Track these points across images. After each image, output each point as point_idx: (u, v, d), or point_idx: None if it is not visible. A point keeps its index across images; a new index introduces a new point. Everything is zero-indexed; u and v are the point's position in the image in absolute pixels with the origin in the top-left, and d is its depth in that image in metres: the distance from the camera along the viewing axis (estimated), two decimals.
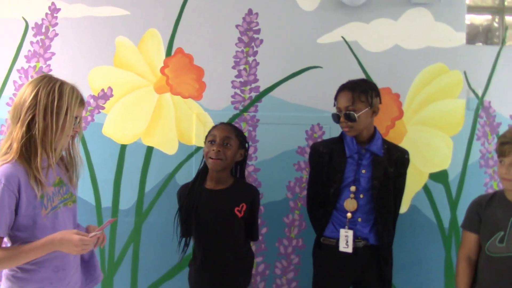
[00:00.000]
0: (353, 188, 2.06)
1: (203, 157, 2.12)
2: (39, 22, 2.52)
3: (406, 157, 2.17)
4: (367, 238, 2.08)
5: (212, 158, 2.02)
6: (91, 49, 2.52)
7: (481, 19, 2.81)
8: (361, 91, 2.02)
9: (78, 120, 1.65)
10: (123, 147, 2.53)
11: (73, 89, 1.62)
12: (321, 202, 2.16)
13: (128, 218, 2.53)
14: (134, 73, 2.53)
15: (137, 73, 2.53)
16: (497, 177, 2.60)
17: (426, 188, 2.59)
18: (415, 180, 2.58)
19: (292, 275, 2.57)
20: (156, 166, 2.54)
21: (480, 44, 2.77)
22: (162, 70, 2.53)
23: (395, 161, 2.10)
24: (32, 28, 2.52)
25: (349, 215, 2.06)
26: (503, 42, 2.69)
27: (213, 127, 2.13)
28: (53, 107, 1.53)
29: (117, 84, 2.52)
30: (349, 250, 2.04)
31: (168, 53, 2.53)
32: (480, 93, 2.60)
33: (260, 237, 2.54)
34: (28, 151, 1.52)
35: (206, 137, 2.13)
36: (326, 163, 2.12)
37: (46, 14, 2.53)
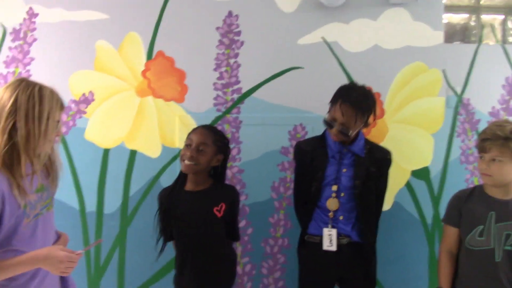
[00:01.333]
0: (334, 187, 2.07)
1: None
2: (17, 27, 2.50)
3: (388, 157, 2.18)
4: (350, 235, 2.10)
5: (184, 161, 2.02)
6: (71, 54, 2.50)
7: (458, 18, 2.85)
8: (364, 112, 1.99)
9: (59, 123, 1.61)
10: (106, 151, 2.52)
11: (53, 92, 1.58)
12: (305, 200, 2.17)
13: (113, 222, 2.52)
14: (115, 77, 2.52)
15: (118, 77, 2.52)
16: (477, 173, 2.65)
17: (408, 185, 2.63)
18: (397, 178, 2.61)
19: (279, 274, 2.59)
20: (140, 170, 2.54)
21: (458, 42, 2.81)
22: (143, 74, 2.52)
23: (377, 161, 2.11)
24: (10, 33, 2.49)
25: (331, 214, 2.08)
26: (480, 40, 2.73)
27: (193, 130, 2.12)
28: (34, 112, 1.48)
29: (99, 88, 2.51)
30: (333, 248, 2.05)
31: (149, 56, 2.53)
32: (459, 91, 2.64)
33: (246, 238, 2.55)
34: (10, 159, 1.47)
35: (186, 138, 2.11)
36: (309, 161, 2.13)
37: (24, 19, 2.51)
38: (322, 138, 2.16)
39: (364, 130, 2.14)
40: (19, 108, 1.47)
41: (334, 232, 2.06)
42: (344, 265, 2.10)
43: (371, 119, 2.06)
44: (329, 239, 2.06)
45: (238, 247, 2.55)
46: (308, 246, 2.15)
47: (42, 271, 1.58)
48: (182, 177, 2.11)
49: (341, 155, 2.09)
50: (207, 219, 2.04)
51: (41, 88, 1.54)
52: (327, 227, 2.08)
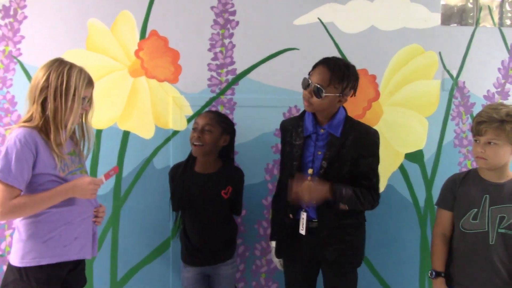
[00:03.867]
0: (310, 171, 2.01)
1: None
2: (7, 4, 2.43)
3: (371, 137, 2.03)
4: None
5: (194, 144, 2.20)
6: (63, 32, 2.44)
7: (456, 0, 2.82)
8: (340, 78, 1.92)
9: (87, 100, 1.85)
10: (99, 132, 2.50)
11: (81, 71, 1.81)
12: (285, 183, 2.12)
13: (106, 203, 2.46)
14: (108, 56, 2.47)
15: (110, 56, 2.47)
16: (471, 157, 2.66)
17: (402, 168, 2.63)
18: (391, 160, 2.62)
19: None
20: (133, 151, 2.52)
21: (455, 25, 2.79)
22: (136, 53, 2.48)
23: (354, 142, 1.98)
24: (0, 10, 2.43)
25: None
26: (477, 23, 2.71)
27: (198, 115, 2.31)
28: (62, 89, 1.72)
29: (91, 67, 2.38)
30: (303, 232, 2.03)
31: (142, 35, 2.48)
32: (454, 74, 2.63)
33: (239, 220, 2.56)
34: (45, 127, 1.75)
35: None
36: (288, 139, 2.11)
37: None
38: (301, 117, 2.10)
39: (338, 104, 2.00)
40: (50, 85, 1.72)
41: (304, 216, 2.03)
42: (317, 247, 2.05)
43: (347, 93, 1.97)
44: (302, 223, 2.04)
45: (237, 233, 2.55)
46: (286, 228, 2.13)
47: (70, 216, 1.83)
48: (192, 159, 2.29)
49: (317, 136, 2.02)
50: (215, 201, 2.25)
51: (71, 67, 1.77)
52: (302, 210, 2.05)
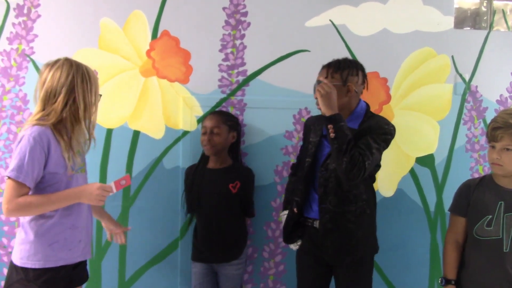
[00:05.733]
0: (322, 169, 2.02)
1: None
2: (21, 3, 2.45)
3: (381, 123, 1.97)
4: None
5: (205, 146, 2.32)
6: (75, 31, 2.46)
7: (469, 3, 2.81)
8: (336, 69, 1.98)
9: (100, 97, 1.95)
10: (109, 131, 2.51)
11: (93, 71, 1.91)
12: (299, 176, 2.12)
13: (115, 202, 2.51)
14: (120, 56, 2.49)
15: (122, 56, 2.49)
16: (483, 162, 2.63)
17: (412, 172, 2.61)
18: (401, 164, 2.60)
19: (280, 258, 2.59)
20: (143, 151, 2.52)
21: (468, 28, 2.77)
22: (148, 53, 2.49)
23: (364, 130, 1.94)
24: (14, 9, 2.45)
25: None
26: (490, 27, 2.69)
27: (204, 118, 2.41)
28: (88, 88, 1.82)
29: (102, 67, 2.48)
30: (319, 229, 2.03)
31: (154, 35, 2.49)
32: (467, 78, 2.61)
33: (248, 221, 2.55)
34: (64, 124, 1.79)
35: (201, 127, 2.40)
36: (307, 136, 2.14)
37: None
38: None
39: (348, 96, 1.98)
40: (77, 85, 1.79)
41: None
42: (317, 237, 2.03)
43: (352, 81, 1.97)
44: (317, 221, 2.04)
45: (247, 233, 2.54)
46: (303, 228, 2.11)
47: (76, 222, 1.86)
48: (204, 157, 2.40)
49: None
50: (224, 194, 2.34)
51: (87, 68, 1.86)
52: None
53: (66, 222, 1.81)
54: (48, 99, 1.77)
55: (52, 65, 1.81)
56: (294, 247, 2.18)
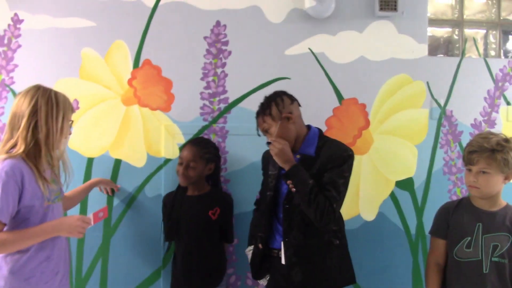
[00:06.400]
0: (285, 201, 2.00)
1: None
2: (1, 34, 2.45)
3: (340, 152, 1.94)
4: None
5: (179, 177, 2.30)
6: (56, 61, 2.46)
7: (442, 32, 2.91)
8: (264, 112, 1.99)
9: (70, 124, 1.88)
10: (90, 160, 2.48)
11: (65, 96, 1.85)
12: (262, 210, 2.11)
13: (96, 232, 2.47)
14: (101, 85, 2.49)
15: (104, 85, 2.49)
16: (460, 184, 2.69)
17: (393, 195, 2.65)
18: (382, 188, 2.64)
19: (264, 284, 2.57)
20: (124, 179, 2.50)
21: (442, 55, 2.86)
22: (129, 82, 2.50)
23: (326, 158, 1.93)
24: None
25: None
26: (462, 54, 2.79)
27: (183, 146, 2.37)
28: (52, 113, 1.75)
29: (83, 96, 2.48)
30: (283, 261, 1.99)
31: (136, 64, 2.51)
32: (442, 103, 2.68)
33: (231, 248, 2.54)
34: (34, 152, 1.73)
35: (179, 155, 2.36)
36: (266, 170, 2.14)
37: (9, 25, 2.46)
38: None
39: (292, 123, 1.97)
40: (40, 109, 1.73)
41: (282, 245, 1.99)
42: (283, 270, 1.99)
43: (282, 111, 1.96)
44: (283, 253, 1.99)
45: (226, 259, 2.52)
46: (270, 260, 2.08)
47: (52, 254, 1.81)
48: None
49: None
50: (203, 221, 2.28)
51: (56, 92, 1.80)
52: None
53: (41, 255, 1.76)
54: (14, 123, 1.73)
55: (23, 92, 1.78)
56: (263, 282, 2.15)
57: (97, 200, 2.48)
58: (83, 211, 2.49)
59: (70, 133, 1.89)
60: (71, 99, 2.39)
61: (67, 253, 1.92)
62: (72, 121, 1.89)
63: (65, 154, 1.91)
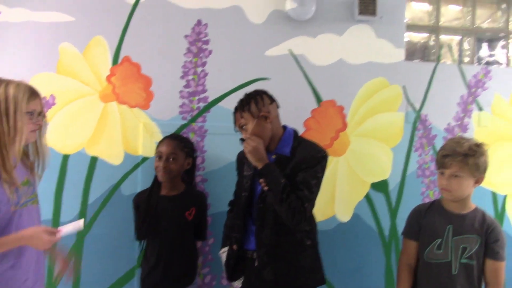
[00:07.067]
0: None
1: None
2: None
3: (313, 153, 1.96)
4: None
5: (159, 172, 2.24)
6: (33, 56, 2.41)
7: (419, 37, 2.97)
8: (243, 108, 1.99)
9: (36, 114, 1.68)
10: (66, 157, 2.44)
11: (19, 85, 1.64)
12: (237, 211, 2.12)
13: None
14: (79, 81, 2.45)
15: (81, 81, 2.45)
16: (433, 187, 2.75)
17: (368, 197, 2.70)
18: (357, 190, 2.68)
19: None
20: (100, 177, 2.47)
21: (418, 60, 2.92)
22: (108, 79, 2.47)
23: (300, 158, 1.95)
24: None
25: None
26: (438, 59, 2.86)
27: (160, 142, 2.31)
28: (1, 109, 1.58)
29: (60, 92, 2.43)
30: (256, 263, 2.01)
31: (115, 61, 2.48)
32: (417, 107, 2.74)
33: (206, 248, 2.54)
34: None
35: (156, 151, 2.29)
36: (240, 170, 2.15)
37: None
38: None
39: (269, 122, 1.98)
40: None
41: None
42: (256, 269, 2.00)
43: (261, 110, 1.96)
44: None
45: (199, 258, 2.52)
46: (244, 261, 2.08)
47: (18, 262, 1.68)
48: (157, 183, 2.30)
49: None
50: (180, 222, 2.26)
51: (7, 84, 1.62)
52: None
53: (4, 264, 1.64)
54: None
55: None
56: (238, 284, 2.14)
57: (73, 198, 2.45)
58: (57, 209, 2.45)
59: (38, 125, 1.71)
60: (48, 94, 2.41)
61: (41, 258, 1.80)
62: (33, 111, 1.68)
63: (41, 143, 1.78)
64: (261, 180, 1.91)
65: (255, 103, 1.98)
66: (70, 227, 1.70)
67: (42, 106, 1.73)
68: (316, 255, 2.07)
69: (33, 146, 1.79)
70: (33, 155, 1.80)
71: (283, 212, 1.87)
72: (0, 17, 2.40)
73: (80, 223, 1.72)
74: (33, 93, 1.68)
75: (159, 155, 2.26)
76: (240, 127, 2.02)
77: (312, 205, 1.94)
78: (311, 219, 2.06)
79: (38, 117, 1.70)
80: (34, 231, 1.61)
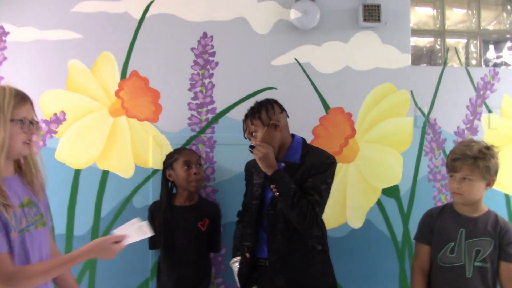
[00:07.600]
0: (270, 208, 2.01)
1: (165, 178, 2.33)
2: None
3: (322, 159, 1.98)
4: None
5: (193, 182, 2.28)
6: (42, 73, 2.46)
7: (425, 42, 2.96)
8: (253, 116, 2.01)
9: (27, 122, 1.47)
10: (77, 172, 2.48)
11: (4, 89, 1.45)
12: (248, 220, 2.12)
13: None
14: (88, 97, 2.49)
15: (91, 97, 2.49)
16: (445, 191, 2.73)
17: (379, 203, 2.68)
18: (368, 196, 2.67)
19: None
20: (112, 190, 2.50)
21: (424, 65, 2.92)
22: (117, 93, 2.50)
23: (310, 165, 1.97)
24: None
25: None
26: (445, 63, 2.85)
27: (180, 153, 2.32)
28: None
29: (70, 108, 2.47)
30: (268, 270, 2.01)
31: (123, 76, 2.52)
32: (426, 111, 2.73)
33: (219, 258, 2.54)
34: None
35: (172, 163, 2.30)
36: (250, 180, 2.15)
37: None
38: None
39: (279, 132, 2.00)
40: None
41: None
42: (268, 277, 2.00)
43: (271, 118, 1.99)
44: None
45: (212, 268, 2.53)
46: (256, 269, 2.08)
47: None
48: (169, 194, 2.34)
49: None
50: (193, 233, 2.29)
51: None
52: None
53: None
54: None
55: None
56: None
57: (85, 212, 2.47)
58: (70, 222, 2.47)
59: (33, 132, 1.50)
60: (58, 111, 2.44)
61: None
62: (24, 118, 1.47)
63: (33, 159, 1.58)
64: (272, 186, 1.92)
65: (265, 111, 2.01)
66: (133, 233, 1.66)
67: (34, 113, 1.53)
68: (327, 260, 2.07)
69: (26, 161, 1.56)
70: (28, 172, 1.57)
71: (294, 217, 1.89)
72: (9, 37, 2.46)
73: (144, 228, 1.67)
74: (22, 98, 1.47)
75: (187, 165, 2.27)
76: (250, 134, 2.04)
77: (322, 209, 1.96)
78: (321, 224, 2.07)
79: (30, 126, 1.49)
80: (102, 241, 1.54)
